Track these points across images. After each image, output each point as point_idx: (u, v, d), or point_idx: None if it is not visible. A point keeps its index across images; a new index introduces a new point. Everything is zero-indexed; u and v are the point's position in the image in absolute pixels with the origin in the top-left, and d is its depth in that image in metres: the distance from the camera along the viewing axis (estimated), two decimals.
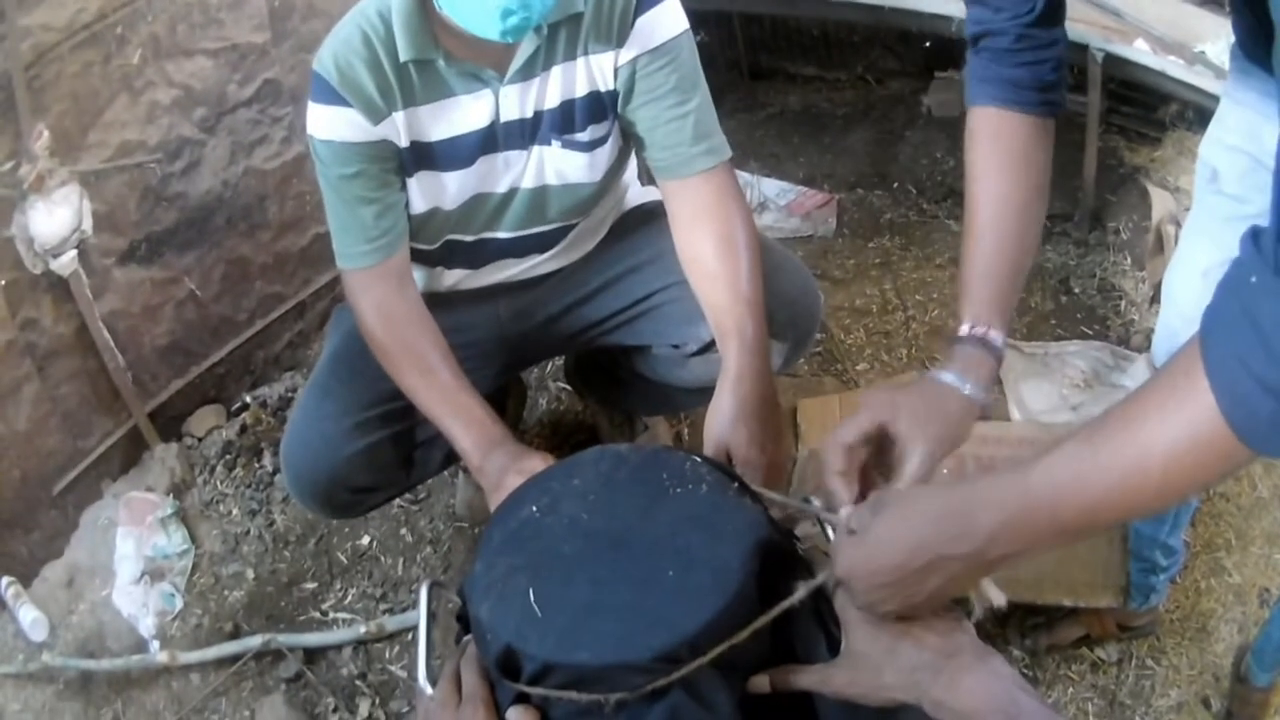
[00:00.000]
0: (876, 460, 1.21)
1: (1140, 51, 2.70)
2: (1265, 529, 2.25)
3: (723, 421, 1.48)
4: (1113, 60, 2.71)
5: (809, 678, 1.03)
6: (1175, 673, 2.02)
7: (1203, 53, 2.61)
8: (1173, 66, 2.64)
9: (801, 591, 1.03)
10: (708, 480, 1.16)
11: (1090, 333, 2.71)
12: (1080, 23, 2.75)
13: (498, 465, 1.49)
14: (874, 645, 1.00)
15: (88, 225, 2.23)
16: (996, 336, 1.26)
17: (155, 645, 2.19)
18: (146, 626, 2.22)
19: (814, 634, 1.08)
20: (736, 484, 1.18)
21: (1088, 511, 0.87)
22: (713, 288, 1.60)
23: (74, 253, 2.21)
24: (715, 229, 1.62)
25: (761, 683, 1.04)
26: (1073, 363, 2.54)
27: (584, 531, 1.12)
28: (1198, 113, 2.70)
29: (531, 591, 1.06)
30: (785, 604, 1.03)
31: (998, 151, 1.34)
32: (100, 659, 2.15)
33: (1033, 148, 1.34)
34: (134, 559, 2.30)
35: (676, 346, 1.84)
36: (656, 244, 1.79)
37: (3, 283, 2.14)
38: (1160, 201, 2.72)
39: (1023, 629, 2.06)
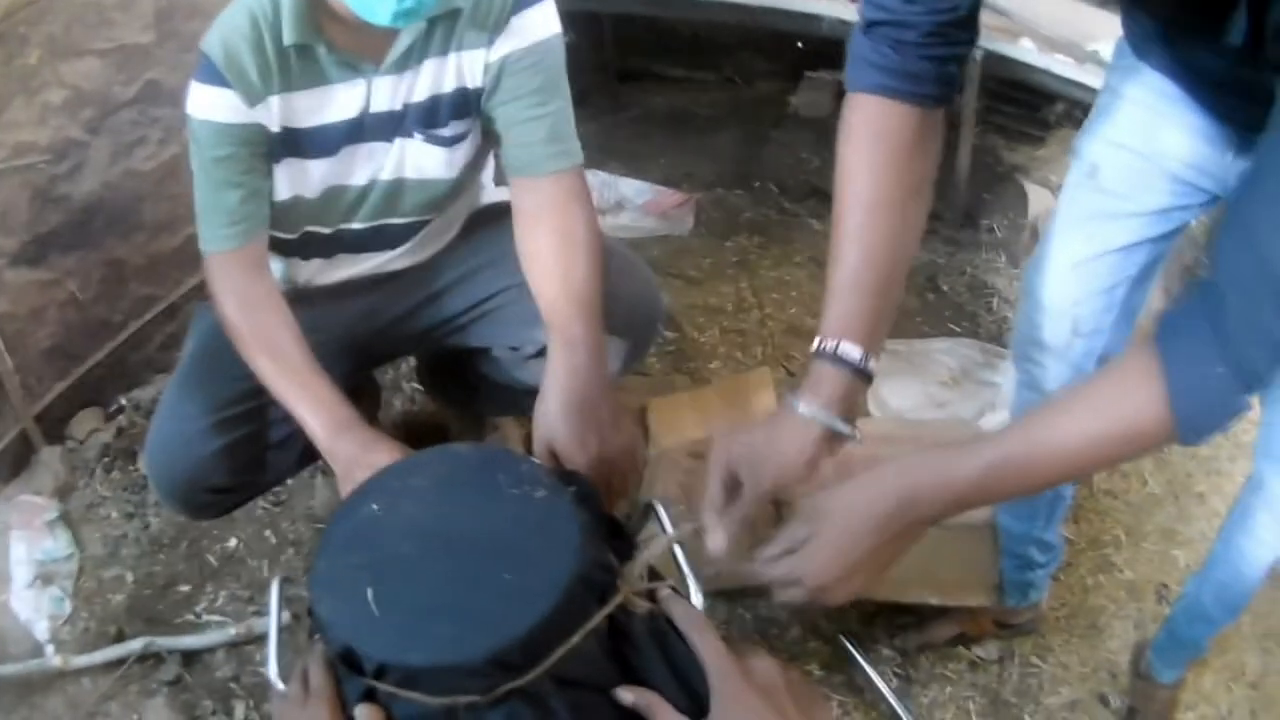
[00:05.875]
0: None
1: (1024, 50, 2.70)
2: (1159, 524, 2.27)
3: (545, 419, 1.49)
4: (993, 59, 2.71)
5: None
6: (1065, 670, 2.02)
7: (1096, 52, 2.61)
8: (1059, 65, 2.65)
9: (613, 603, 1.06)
10: (544, 483, 1.17)
11: (959, 330, 2.70)
12: None
13: (346, 453, 1.49)
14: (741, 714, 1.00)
15: None
16: (851, 350, 1.19)
17: (50, 649, 2.18)
18: (41, 631, 2.21)
19: (651, 652, 1.08)
20: (574, 488, 1.19)
21: (1054, 473, 1.06)
22: (546, 283, 1.60)
23: None
24: (556, 225, 1.63)
25: (626, 697, 1.02)
26: (940, 360, 2.52)
27: (421, 532, 1.13)
28: (1085, 112, 2.73)
29: (370, 591, 1.06)
30: (614, 602, 1.06)
31: (878, 148, 1.22)
32: (3, 664, 2.12)
33: (917, 144, 1.22)
34: (26, 563, 2.29)
35: (515, 349, 1.86)
36: (499, 244, 1.78)
37: None
38: (1038, 199, 2.75)
39: (891, 628, 2.03)
